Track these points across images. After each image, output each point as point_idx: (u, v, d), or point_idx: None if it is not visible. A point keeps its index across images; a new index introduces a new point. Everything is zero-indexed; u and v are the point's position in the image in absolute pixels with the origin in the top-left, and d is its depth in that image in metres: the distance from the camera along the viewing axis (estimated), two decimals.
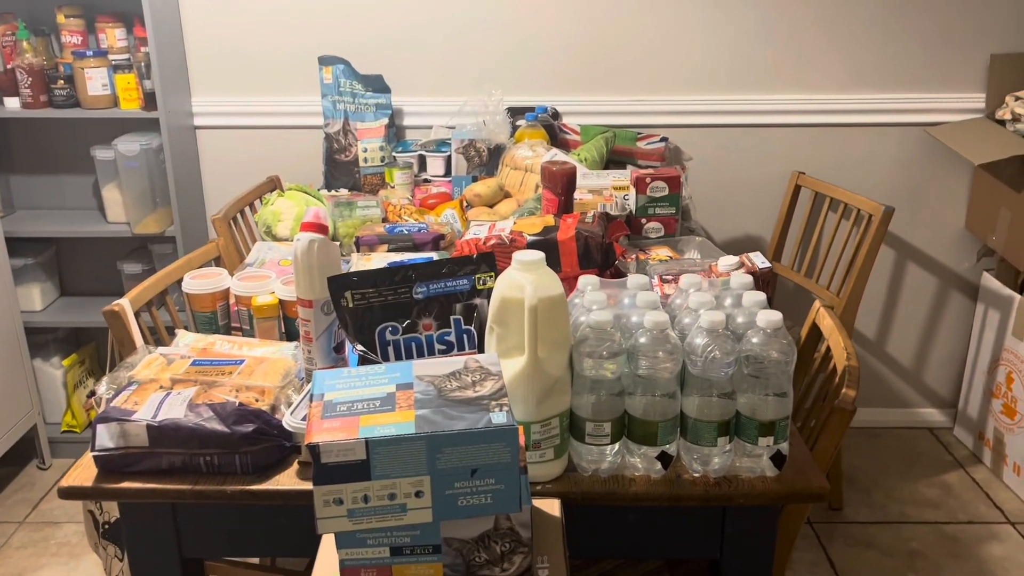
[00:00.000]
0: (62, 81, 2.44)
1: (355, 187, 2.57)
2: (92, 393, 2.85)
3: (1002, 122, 2.53)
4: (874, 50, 2.61)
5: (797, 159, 2.71)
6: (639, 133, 2.61)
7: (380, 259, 1.78)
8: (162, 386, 1.30)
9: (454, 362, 1.02)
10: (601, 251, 1.62)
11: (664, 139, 2.59)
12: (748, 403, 1.17)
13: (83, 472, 1.22)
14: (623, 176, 2.16)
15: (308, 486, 1.15)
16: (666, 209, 2.07)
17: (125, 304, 1.68)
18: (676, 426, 1.19)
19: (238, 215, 2.37)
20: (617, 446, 1.19)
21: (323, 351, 1.34)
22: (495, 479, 0.91)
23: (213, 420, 1.21)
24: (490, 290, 1.24)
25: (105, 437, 1.20)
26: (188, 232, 2.66)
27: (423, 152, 2.57)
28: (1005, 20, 2.56)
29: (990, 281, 2.69)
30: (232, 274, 1.66)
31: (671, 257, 1.88)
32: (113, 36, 2.48)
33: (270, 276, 1.62)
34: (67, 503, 2.61)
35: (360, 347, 1.21)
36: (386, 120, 2.60)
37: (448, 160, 2.57)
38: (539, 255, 1.15)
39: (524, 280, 1.13)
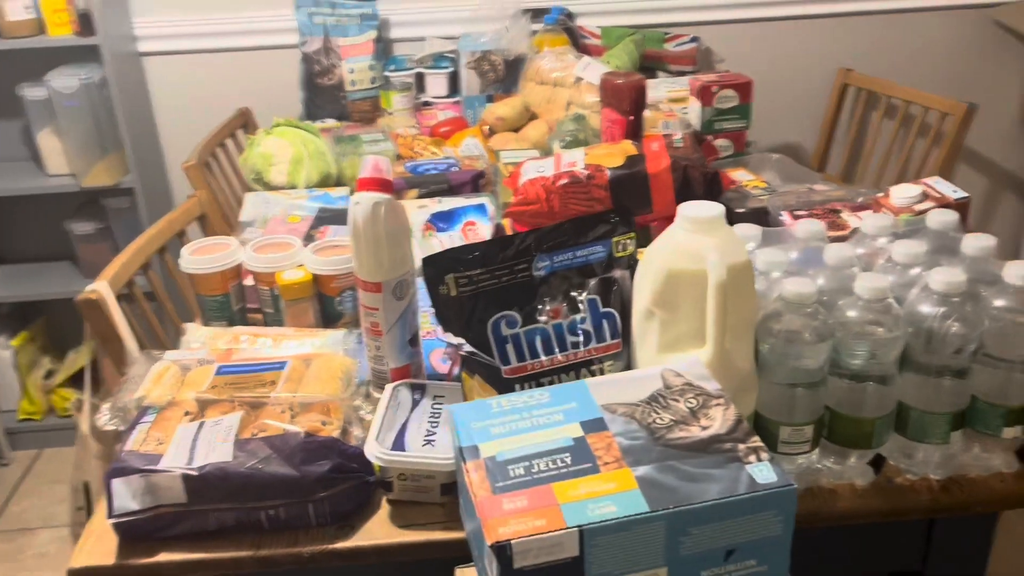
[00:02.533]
0: None
1: (343, 116, 2.18)
2: (47, 372, 2.47)
3: None
4: None
5: (841, 55, 2.39)
6: (666, 33, 2.26)
7: (414, 208, 1.44)
8: (188, 412, 0.97)
9: (644, 377, 0.71)
10: (705, 183, 1.31)
11: (695, 39, 2.25)
12: (989, 384, 0.89)
13: (98, 544, 0.89)
14: (678, 85, 1.83)
15: (409, 535, 0.85)
16: (736, 122, 1.76)
17: (103, 288, 1.32)
18: (893, 421, 0.91)
19: (210, 159, 1.98)
20: (816, 452, 0.91)
21: (396, 347, 1.02)
22: (758, 559, 0.62)
23: (274, 461, 0.88)
24: (631, 257, 0.92)
25: (126, 496, 0.87)
26: (147, 182, 2.24)
27: (421, 69, 2.19)
28: None
29: None
30: (231, 238, 1.30)
31: (756, 181, 1.57)
32: None
33: (294, 243, 1.26)
34: (40, 503, 2.27)
35: (468, 347, 0.88)
36: (374, 34, 2.20)
37: (452, 77, 2.19)
38: (717, 208, 0.83)
39: (701, 245, 0.82)
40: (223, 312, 1.25)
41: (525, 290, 0.89)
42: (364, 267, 0.98)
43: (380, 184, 0.97)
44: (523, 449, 0.64)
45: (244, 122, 2.24)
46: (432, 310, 0.90)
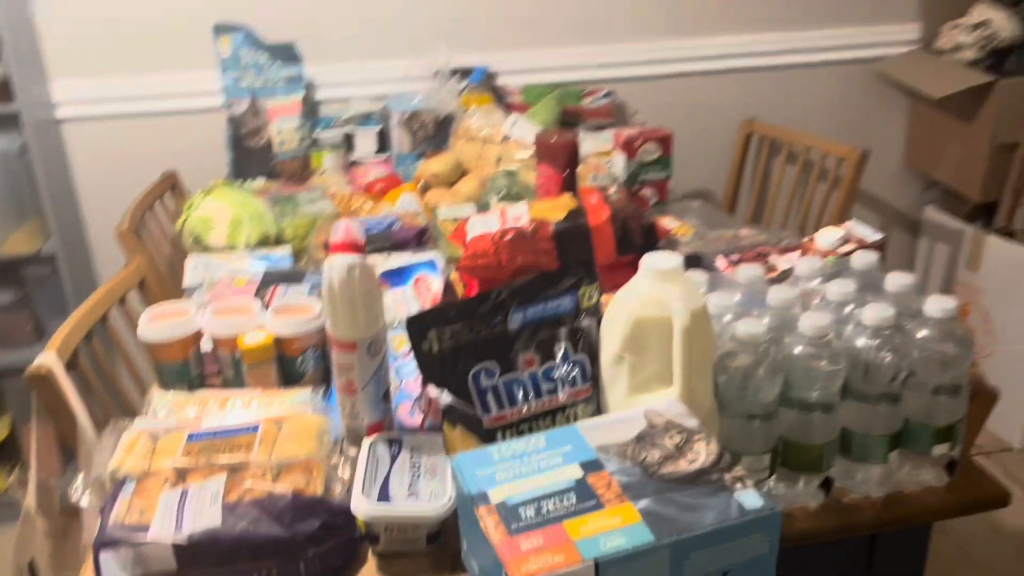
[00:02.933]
0: None
1: (271, 176, 2.21)
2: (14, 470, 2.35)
3: (941, 52, 2.49)
4: None
5: (745, 106, 2.57)
6: (583, 90, 2.38)
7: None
8: (168, 479, 0.97)
9: (629, 418, 0.78)
10: (642, 233, 1.40)
11: (610, 94, 2.39)
12: (918, 407, 0.99)
13: None
14: (603, 139, 1.94)
15: None
16: (659, 173, 1.88)
17: (51, 361, 1.30)
18: (838, 445, 1.00)
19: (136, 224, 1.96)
20: (773, 479, 0.99)
21: (371, 403, 1.05)
22: None
23: (264, 522, 0.90)
24: (596, 306, 0.99)
25: (115, 568, 0.87)
26: (68, 249, 2.20)
27: (349, 129, 2.24)
28: None
29: (935, 215, 2.68)
30: (188, 304, 1.30)
31: (683, 228, 1.68)
32: None
33: (253, 306, 1.28)
34: None
35: (448, 397, 0.93)
36: (301, 95, 2.24)
37: (380, 135, 2.25)
38: (677, 259, 0.91)
39: (665, 293, 0.89)
40: (182, 379, 1.25)
41: (502, 342, 0.94)
42: (340, 327, 1.02)
43: (353, 246, 1.01)
44: (530, 492, 0.69)
45: (171, 185, 2.23)
46: (405, 366, 0.94)
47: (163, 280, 1.79)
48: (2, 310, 2.22)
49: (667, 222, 1.70)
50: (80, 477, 0.99)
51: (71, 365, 1.37)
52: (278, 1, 2.25)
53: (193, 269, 1.60)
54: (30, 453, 1.66)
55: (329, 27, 2.30)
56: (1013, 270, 2.37)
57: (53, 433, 1.37)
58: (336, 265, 1.00)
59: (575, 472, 0.71)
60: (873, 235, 1.24)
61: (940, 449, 1.00)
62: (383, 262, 1.50)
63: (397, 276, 1.45)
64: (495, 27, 2.38)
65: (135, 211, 1.96)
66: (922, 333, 0.98)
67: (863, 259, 1.08)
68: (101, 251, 2.36)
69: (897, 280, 1.03)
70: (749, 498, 0.68)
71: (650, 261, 0.91)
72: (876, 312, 0.95)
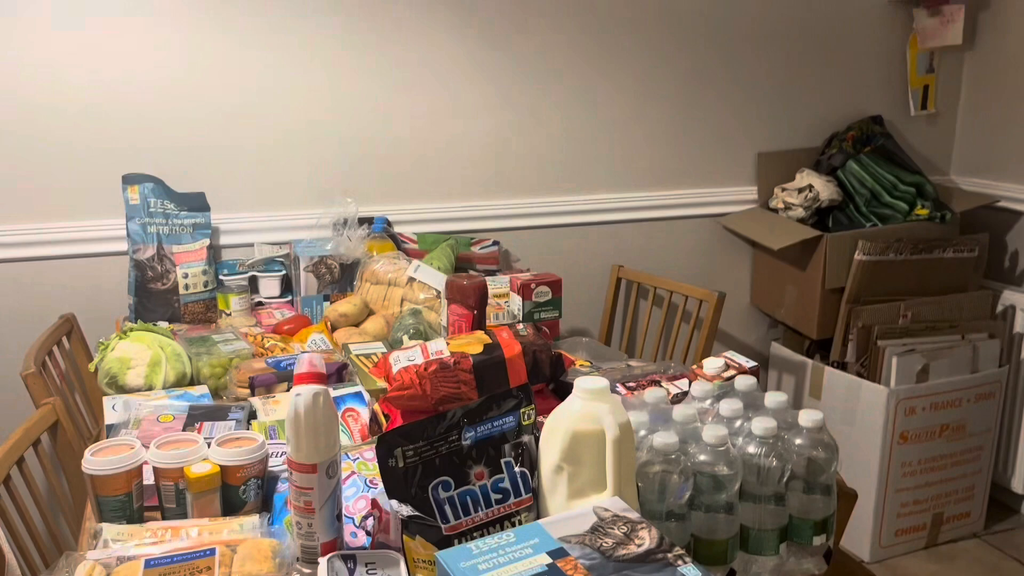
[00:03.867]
0: None
1: (174, 318, 2.26)
2: None
3: (775, 210, 2.91)
4: (668, 151, 2.88)
5: (614, 254, 2.88)
6: (472, 238, 2.61)
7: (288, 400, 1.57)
8: None
9: (582, 514, 0.92)
10: (551, 363, 1.58)
11: (496, 243, 2.62)
12: (800, 504, 1.19)
13: None
14: (501, 283, 2.14)
15: None
16: (550, 313, 2.08)
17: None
18: (739, 540, 1.17)
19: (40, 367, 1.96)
20: None
21: (327, 522, 1.14)
22: None
23: None
24: (534, 424, 1.14)
25: None
26: None
27: (254, 273, 2.34)
28: (767, 123, 2.98)
29: (779, 349, 3.04)
30: (133, 439, 1.35)
31: (579, 360, 1.88)
32: None
33: (197, 440, 1.34)
34: None
35: (407, 510, 1.04)
36: (207, 241, 2.33)
37: (284, 280, 2.36)
38: (603, 381, 1.09)
39: (597, 410, 1.06)
40: (123, 511, 1.28)
41: (457, 458, 1.07)
42: (303, 451, 1.11)
43: (316, 377, 1.13)
44: None
45: (69, 327, 2.23)
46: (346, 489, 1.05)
47: (71, 420, 1.80)
48: None
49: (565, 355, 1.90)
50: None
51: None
52: (189, 154, 2.38)
53: (113, 408, 1.63)
54: None
55: (236, 178, 2.43)
56: (848, 397, 2.71)
57: None
58: (303, 393, 1.11)
59: (545, 559, 0.85)
60: (748, 362, 1.48)
61: (819, 540, 1.19)
62: None
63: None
64: (392, 181, 2.59)
65: (37, 353, 1.96)
66: (798, 441, 1.19)
67: (744, 381, 1.30)
68: (3, 395, 2.30)
69: (774, 398, 1.25)
70: (690, 571, 0.83)
71: (582, 382, 1.09)
72: (762, 424, 1.16)
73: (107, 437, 1.54)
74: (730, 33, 2.86)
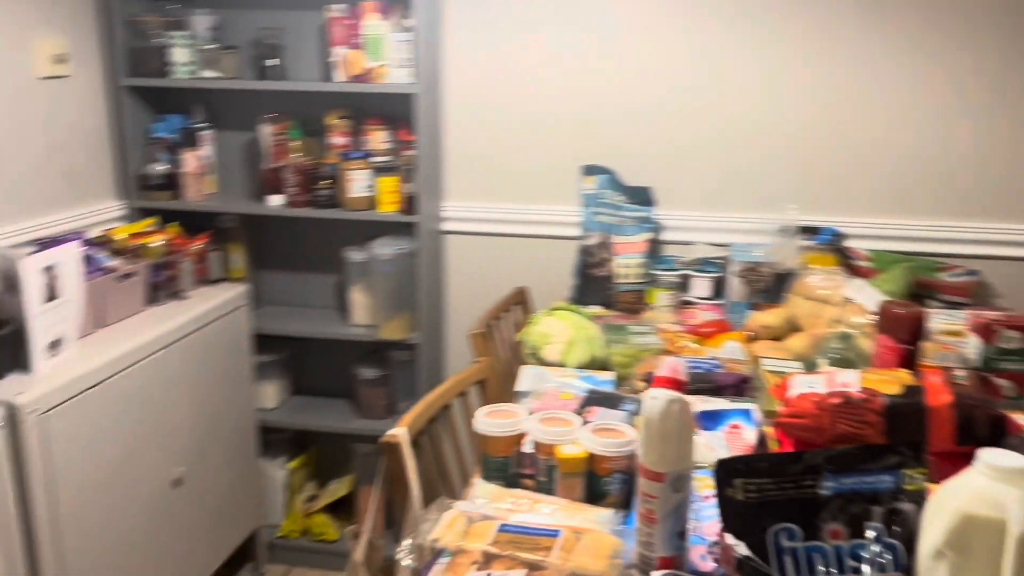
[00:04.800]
0: (326, 181, 2.41)
1: (607, 304, 2.36)
2: (312, 498, 2.74)
3: None
4: None
5: None
6: (939, 263, 2.26)
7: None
8: (475, 561, 1.08)
9: None
10: (989, 425, 1.29)
11: (973, 272, 2.23)
12: None
13: None
14: (954, 318, 1.82)
15: None
16: (1020, 364, 1.70)
17: (402, 434, 1.51)
18: None
19: (486, 329, 2.21)
20: None
21: (666, 536, 1.08)
22: None
23: None
24: (920, 492, 0.94)
25: None
26: (428, 340, 2.52)
27: (688, 271, 2.33)
28: None
29: None
30: (519, 407, 1.44)
31: None
32: (378, 138, 2.44)
33: (573, 421, 1.39)
34: None
35: (743, 548, 0.93)
36: (649, 235, 2.39)
37: (717, 282, 2.31)
38: (1021, 460, 0.85)
39: (1003, 494, 0.83)
40: (502, 473, 1.38)
41: (809, 506, 0.93)
42: (650, 457, 1.07)
43: (675, 384, 1.07)
44: None
45: (520, 300, 2.48)
46: (706, 509, 0.96)
47: (500, 382, 1.99)
48: (366, 384, 2.59)
49: (1022, 419, 1.54)
50: (407, 541, 1.14)
51: (415, 442, 1.57)
52: (641, 149, 2.46)
53: (527, 377, 1.77)
54: (365, 512, 1.91)
55: (684, 175, 2.45)
56: None
57: (388, 498, 1.57)
58: (658, 397, 1.06)
59: None
60: None
61: None
62: (699, 403, 1.54)
63: (711, 419, 1.48)
64: (849, 190, 2.36)
65: (487, 318, 2.21)
66: None
67: None
68: (452, 347, 2.68)
69: None
70: None
71: (990, 456, 0.86)
72: None
73: (516, 401, 1.67)
74: None
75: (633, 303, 2.34)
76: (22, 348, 1.74)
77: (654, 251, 2.46)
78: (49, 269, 1.79)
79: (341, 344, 2.66)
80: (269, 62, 2.46)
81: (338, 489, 2.71)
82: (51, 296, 1.79)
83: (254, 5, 2.52)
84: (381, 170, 2.39)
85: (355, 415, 2.63)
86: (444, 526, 1.17)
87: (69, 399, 1.75)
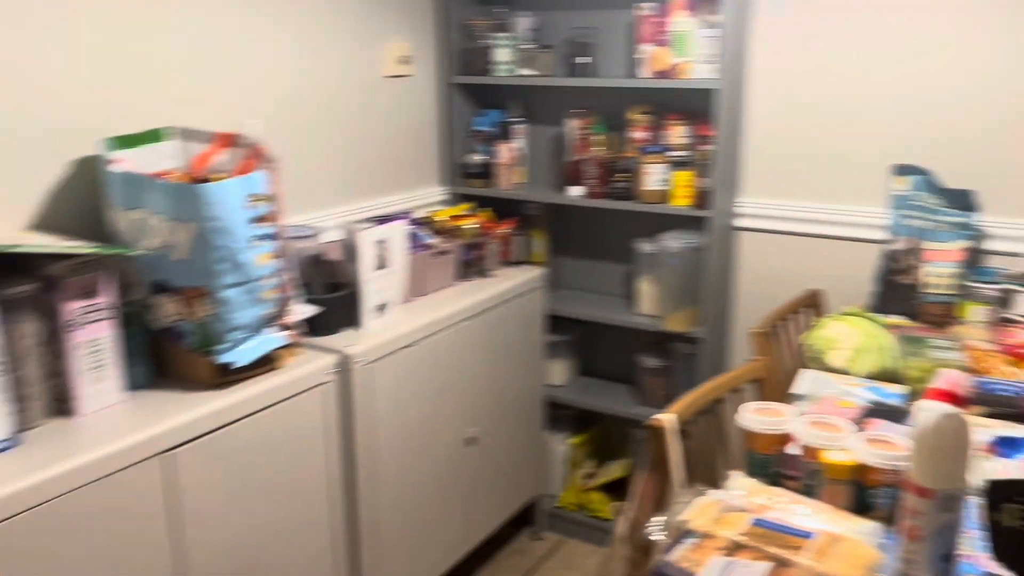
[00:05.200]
0: (624, 174, 2.51)
1: (909, 314, 2.19)
2: (590, 475, 2.87)
3: None
4: None
5: None
6: None
7: (978, 426, 1.40)
8: (721, 547, 1.11)
9: None
10: None
11: None
12: None
13: None
14: None
15: None
16: None
17: (668, 420, 1.56)
18: None
19: (771, 330, 2.16)
20: None
21: (930, 557, 1.03)
22: None
23: None
24: None
25: None
26: (711, 335, 2.53)
27: (1011, 286, 2.10)
28: None
29: None
30: (787, 407, 1.43)
31: None
32: (676, 133, 2.48)
33: (843, 427, 1.35)
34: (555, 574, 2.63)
35: None
36: (967, 243, 2.18)
37: None
38: None
39: None
40: (763, 470, 1.38)
41: None
42: (919, 471, 1.02)
43: (953, 397, 1.01)
44: None
45: (812, 303, 2.40)
46: (979, 534, 0.90)
47: (777, 383, 1.96)
48: (649, 372, 2.66)
49: None
50: (660, 518, 1.20)
51: (683, 430, 1.62)
52: (965, 149, 2.24)
53: (806, 381, 1.72)
54: (634, 493, 1.99)
55: (1016, 180, 2.20)
56: None
57: (654, 481, 1.63)
58: (930, 409, 1.01)
59: None
60: None
61: None
62: (999, 427, 1.41)
63: (1011, 446, 1.35)
64: None
65: (773, 318, 2.17)
66: None
67: None
68: (736, 344, 2.66)
69: None
70: None
71: None
72: None
73: (790, 404, 1.64)
74: None
75: (940, 315, 2.16)
76: (355, 308, 2.05)
77: (972, 261, 2.23)
78: (381, 242, 2.08)
79: (627, 331, 2.76)
80: (580, 60, 2.61)
81: (615, 470, 2.82)
82: (381, 265, 2.08)
83: (570, 6, 2.68)
84: (677, 164, 2.44)
85: (636, 401, 2.71)
86: (697, 510, 1.21)
87: (389, 354, 2.02)
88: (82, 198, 1.75)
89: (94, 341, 1.56)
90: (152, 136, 1.79)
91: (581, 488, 2.85)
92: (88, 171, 1.75)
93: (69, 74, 1.71)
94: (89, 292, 1.54)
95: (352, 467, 1.97)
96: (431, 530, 2.26)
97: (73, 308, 1.51)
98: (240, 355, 1.69)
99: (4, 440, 1.42)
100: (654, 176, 2.47)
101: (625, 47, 2.61)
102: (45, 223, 1.70)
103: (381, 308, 2.10)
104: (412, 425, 2.13)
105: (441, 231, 2.45)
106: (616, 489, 2.81)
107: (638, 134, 2.55)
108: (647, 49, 2.44)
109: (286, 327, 1.79)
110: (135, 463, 1.48)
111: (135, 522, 1.49)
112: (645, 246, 2.60)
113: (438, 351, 2.19)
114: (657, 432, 1.54)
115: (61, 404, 1.55)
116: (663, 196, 2.48)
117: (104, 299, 1.56)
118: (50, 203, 1.71)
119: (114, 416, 1.56)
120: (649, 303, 2.62)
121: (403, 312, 2.17)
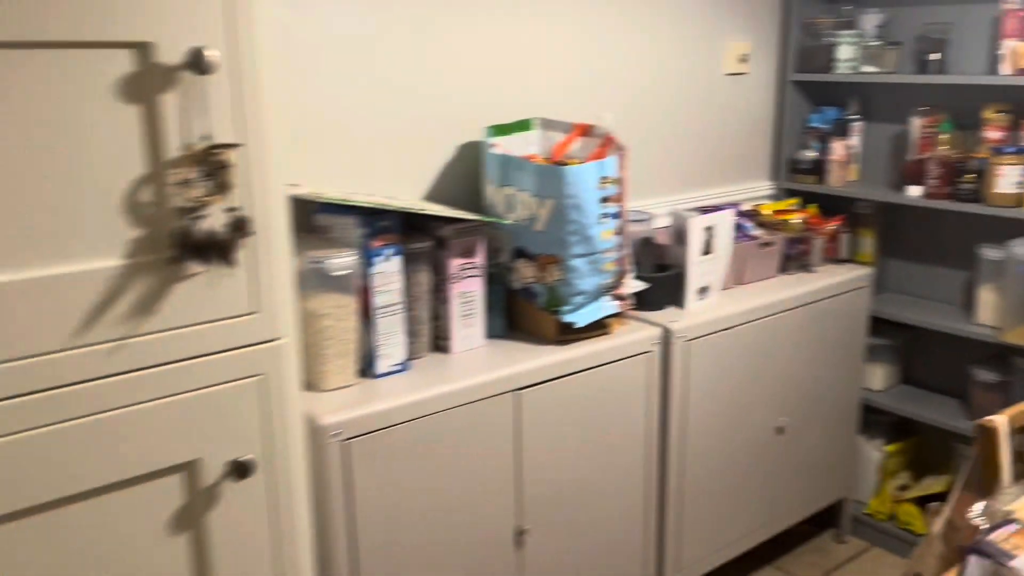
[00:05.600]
0: (971, 175, 2.39)
1: None
2: (902, 485, 2.77)
3: None
4: None
5: None
6: None
7: None
8: None
9: None
10: None
11: None
12: None
13: None
14: None
15: None
16: None
17: (1001, 421, 1.52)
18: None
19: None
20: None
21: None
22: None
23: None
24: None
25: (976, 571, 1.08)
26: None
27: None
28: None
29: None
30: None
31: None
32: None
33: None
34: None
35: None
36: None
37: None
38: None
39: None
40: None
41: None
42: None
43: None
44: None
45: None
46: None
47: None
48: (981, 386, 2.51)
49: None
50: (982, 504, 1.21)
51: (1016, 432, 1.56)
52: None
53: None
54: (953, 491, 1.93)
55: None
56: None
57: (976, 481, 1.60)
58: None
59: None
60: None
61: None
62: None
63: None
64: None
65: None
66: None
67: None
68: None
69: None
70: None
71: None
72: None
73: None
74: None
75: None
76: (679, 288, 2.21)
77: None
78: (708, 230, 2.22)
79: (958, 341, 2.62)
80: (931, 56, 2.53)
81: (933, 485, 2.69)
82: (707, 251, 2.22)
83: (923, 1, 2.60)
84: None
85: (964, 415, 2.57)
86: (1021, 502, 1.21)
87: (708, 334, 2.16)
88: (466, 175, 2.10)
89: (467, 293, 1.88)
90: (522, 125, 2.09)
91: (894, 498, 2.76)
92: (471, 153, 2.09)
93: (463, 73, 2.06)
94: (468, 252, 1.86)
95: (665, 434, 2.13)
96: (732, 509, 2.36)
97: (456, 264, 1.84)
98: (580, 316, 1.93)
99: (400, 363, 1.78)
100: (1008, 178, 2.33)
101: (983, 43, 2.48)
102: (436, 194, 2.08)
103: (703, 291, 2.24)
104: (723, 403, 2.25)
105: (766, 224, 2.53)
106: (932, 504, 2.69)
107: (992, 134, 2.41)
108: (1010, 45, 2.31)
109: (619, 297, 2.00)
110: (494, 395, 1.77)
111: (491, 442, 1.79)
112: (990, 252, 2.45)
113: (754, 337, 2.28)
114: (988, 432, 1.52)
115: (439, 342, 1.90)
116: (1017, 200, 2.33)
117: (478, 259, 1.88)
118: (440, 178, 2.08)
119: (479, 356, 1.88)
120: (989, 313, 2.47)
121: (723, 297, 2.29)
